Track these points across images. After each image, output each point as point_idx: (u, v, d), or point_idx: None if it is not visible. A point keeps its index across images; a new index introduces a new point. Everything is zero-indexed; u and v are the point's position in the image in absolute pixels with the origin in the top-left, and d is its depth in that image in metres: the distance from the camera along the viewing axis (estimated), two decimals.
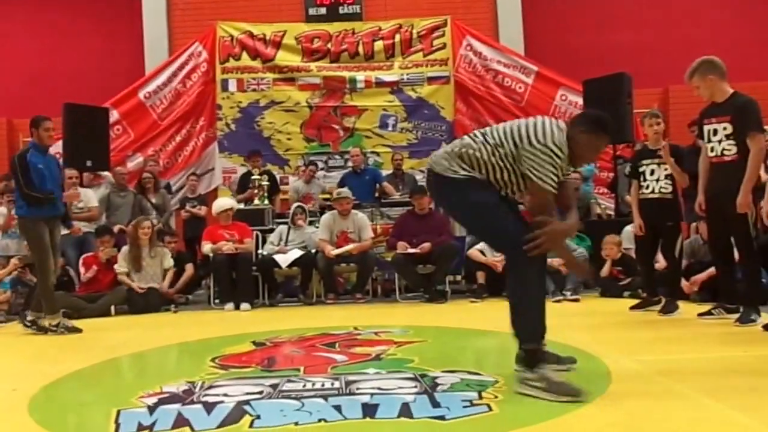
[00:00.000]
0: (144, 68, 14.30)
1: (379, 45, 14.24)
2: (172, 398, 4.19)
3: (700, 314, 6.92)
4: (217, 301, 10.04)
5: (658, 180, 7.56)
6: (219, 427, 3.57)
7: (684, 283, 8.30)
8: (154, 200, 11.42)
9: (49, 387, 4.79)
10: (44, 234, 7.62)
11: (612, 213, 11.80)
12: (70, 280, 10.11)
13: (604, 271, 9.47)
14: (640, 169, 7.74)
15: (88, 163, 11.32)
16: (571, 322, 7.25)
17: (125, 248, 10.01)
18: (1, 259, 10.05)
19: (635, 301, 8.05)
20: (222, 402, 4.01)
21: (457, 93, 14.13)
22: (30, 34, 14.73)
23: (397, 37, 14.21)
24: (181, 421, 3.69)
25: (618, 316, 7.49)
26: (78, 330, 7.65)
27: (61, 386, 4.90)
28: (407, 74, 14.19)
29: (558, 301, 8.90)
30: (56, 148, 11.94)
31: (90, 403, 4.38)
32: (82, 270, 9.99)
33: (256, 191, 11.44)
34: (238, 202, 11.32)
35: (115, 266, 9.93)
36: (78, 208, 10.44)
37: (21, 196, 7.65)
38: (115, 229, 10.60)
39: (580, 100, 12.26)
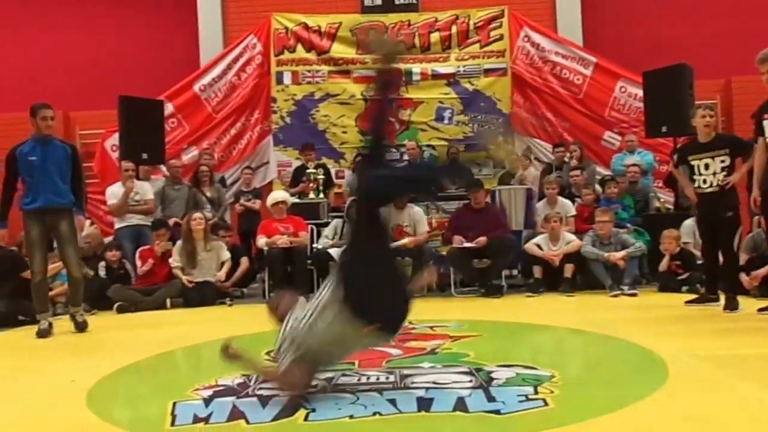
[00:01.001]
0: (199, 61, 14.36)
1: (435, 36, 14.10)
2: (228, 391, 4.23)
3: (760, 309, 6.83)
4: (272, 294, 10.05)
5: (714, 174, 7.32)
6: (274, 420, 3.59)
7: (744, 278, 8.15)
8: (209, 194, 11.44)
9: (106, 379, 4.85)
10: (30, 229, 7.46)
11: (671, 207, 11.60)
12: (126, 273, 10.21)
13: (663, 265, 9.30)
14: (693, 163, 7.52)
15: (144, 156, 11.38)
16: (628, 316, 7.21)
17: (179, 243, 10.08)
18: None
19: (693, 296, 7.92)
20: (277, 395, 4.02)
21: (514, 85, 13.95)
22: (84, 27, 14.83)
23: (454, 29, 14.05)
24: (236, 413, 3.73)
25: (676, 311, 7.39)
26: (48, 333, 7.34)
27: (118, 379, 4.96)
28: (464, 66, 14.03)
29: (615, 295, 8.84)
30: (113, 141, 12.19)
31: (146, 395, 4.43)
32: (138, 263, 10.08)
33: (311, 185, 11.43)
34: (290, 195, 11.27)
35: (170, 260, 10.01)
36: (134, 200, 10.54)
37: None
38: (171, 222, 10.67)
39: (640, 92, 12.00)
